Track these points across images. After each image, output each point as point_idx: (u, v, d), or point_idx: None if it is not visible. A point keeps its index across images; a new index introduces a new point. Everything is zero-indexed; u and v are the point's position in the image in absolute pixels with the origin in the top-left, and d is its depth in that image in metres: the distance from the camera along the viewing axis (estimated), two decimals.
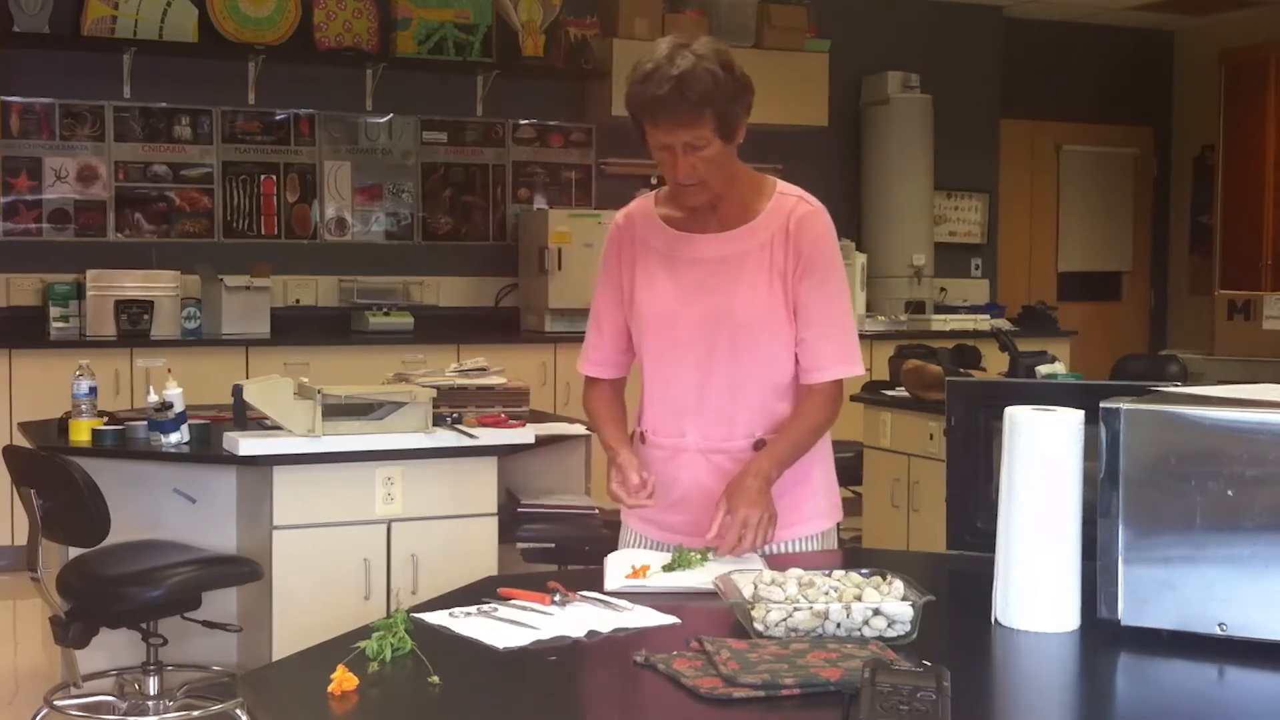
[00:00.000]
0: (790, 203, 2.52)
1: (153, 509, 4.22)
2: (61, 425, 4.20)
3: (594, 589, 2.19)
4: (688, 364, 2.52)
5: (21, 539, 3.98)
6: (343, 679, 1.70)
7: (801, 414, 2.53)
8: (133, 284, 6.73)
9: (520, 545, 4.24)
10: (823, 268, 2.50)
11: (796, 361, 2.53)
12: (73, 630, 3.66)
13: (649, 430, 2.61)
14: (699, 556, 2.33)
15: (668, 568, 2.30)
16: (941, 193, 9.05)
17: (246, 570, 3.86)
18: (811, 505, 2.59)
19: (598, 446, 4.10)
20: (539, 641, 1.93)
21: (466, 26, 7.58)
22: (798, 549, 2.57)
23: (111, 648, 4.06)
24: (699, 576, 2.24)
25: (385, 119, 7.67)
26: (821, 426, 2.56)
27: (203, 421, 4.13)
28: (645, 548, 2.57)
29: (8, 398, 6.27)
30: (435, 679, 1.74)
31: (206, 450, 4.04)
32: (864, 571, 2.06)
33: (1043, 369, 5.09)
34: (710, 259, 2.51)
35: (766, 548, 2.45)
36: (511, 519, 4.26)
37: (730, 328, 2.49)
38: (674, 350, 2.53)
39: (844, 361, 2.53)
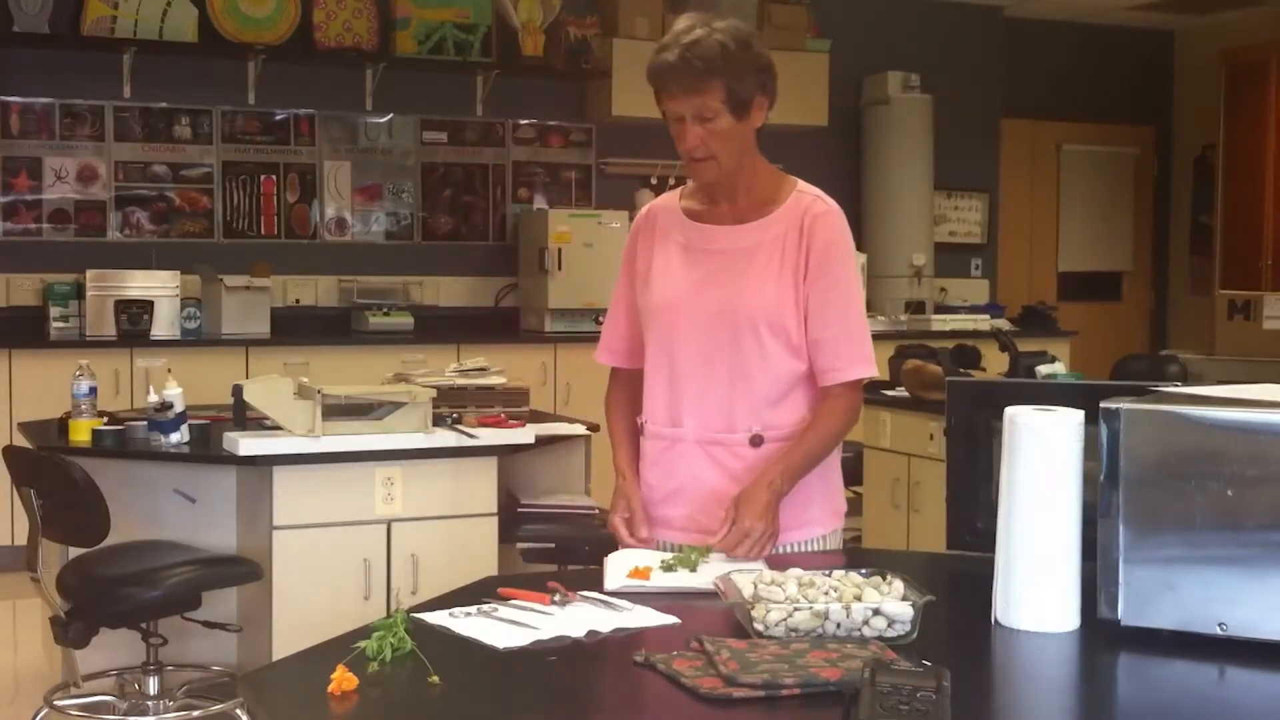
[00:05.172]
0: (807, 200, 2.52)
1: (153, 509, 4.22)
2: (61, 425, 4.19)
3: (594, 589, 2.18)
4: (690, 353, 2.51)
5: (21, 539, 3.98)
6: (343, 679, 1.70)
7: (818, 421, 2.50)
8: (133, 284, 6.73)
9: (520, 545, 4.24)
10: (837, 268, 2.49)
11: (811, 364, 2.50)
12: (72, 630, 3.65)
13: (649, 419, 2.59)
14: (698, 555, 2.33)
15: (667, 566, 2.30)
16: (942, 192, 9.04)
17: (246, 570, 3.86)
18: (810, 511, 2.56)
19: (598, 446, 4.13)
20: (539, 641, 1.93)
21: (466, 26, 7.58)
22: (798, 551, 2.55)
23: (111, 648, 4.05)
24: (699, 576, 2.24)
25: (385, 119, 7.67)
26: (839, 433, 2.53)
27: (203, 421, 4.14)
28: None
29: (8, 398, 6.27)
30: (435, 679, 1.74)
31: (206, 450, 4.05)
32: (864, 571, 2.05)
33: (1043, 369, 5.08)
34: (724, 250, 2.51)
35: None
36: (511, 519, 4.26)
37: (735, 319, 2.48)
38: (678, 339, 2.52)
39: (862, 362, 2.50)
